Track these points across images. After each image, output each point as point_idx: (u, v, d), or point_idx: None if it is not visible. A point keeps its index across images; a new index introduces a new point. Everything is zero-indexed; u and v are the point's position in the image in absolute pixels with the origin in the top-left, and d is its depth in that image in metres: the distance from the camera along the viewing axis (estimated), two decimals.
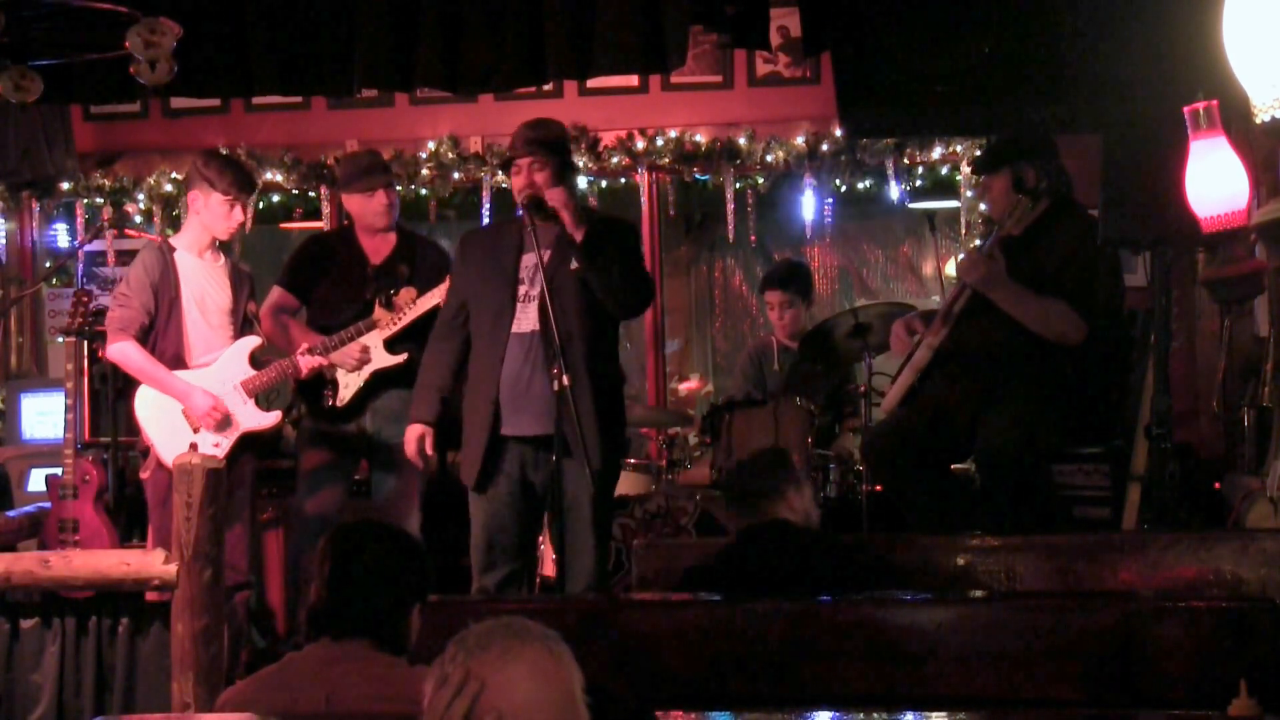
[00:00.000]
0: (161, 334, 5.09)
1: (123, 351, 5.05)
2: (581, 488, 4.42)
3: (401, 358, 5.25)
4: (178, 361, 5.09)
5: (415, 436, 4.70)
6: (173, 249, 5.17)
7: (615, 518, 5.21)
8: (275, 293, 5.47)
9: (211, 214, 5.13)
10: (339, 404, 5.30)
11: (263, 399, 5.25)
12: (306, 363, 5.14)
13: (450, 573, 5.09)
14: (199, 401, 5.01)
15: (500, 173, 6.21)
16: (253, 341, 5.17)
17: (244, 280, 5.28)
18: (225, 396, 5.07)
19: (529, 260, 4.54)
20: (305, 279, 5.45)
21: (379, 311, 5.12)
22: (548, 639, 2.08)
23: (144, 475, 5.16)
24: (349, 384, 5.30)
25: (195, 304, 5.13)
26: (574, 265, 4.49)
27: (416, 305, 5.21)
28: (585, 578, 4.52)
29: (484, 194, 6.70)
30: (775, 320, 6.27)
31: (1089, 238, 4.80)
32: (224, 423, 5.06)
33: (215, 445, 5.00)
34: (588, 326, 4.52)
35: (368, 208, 5.37)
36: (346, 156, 5.87)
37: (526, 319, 4.52)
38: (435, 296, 5.11)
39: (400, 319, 5.19)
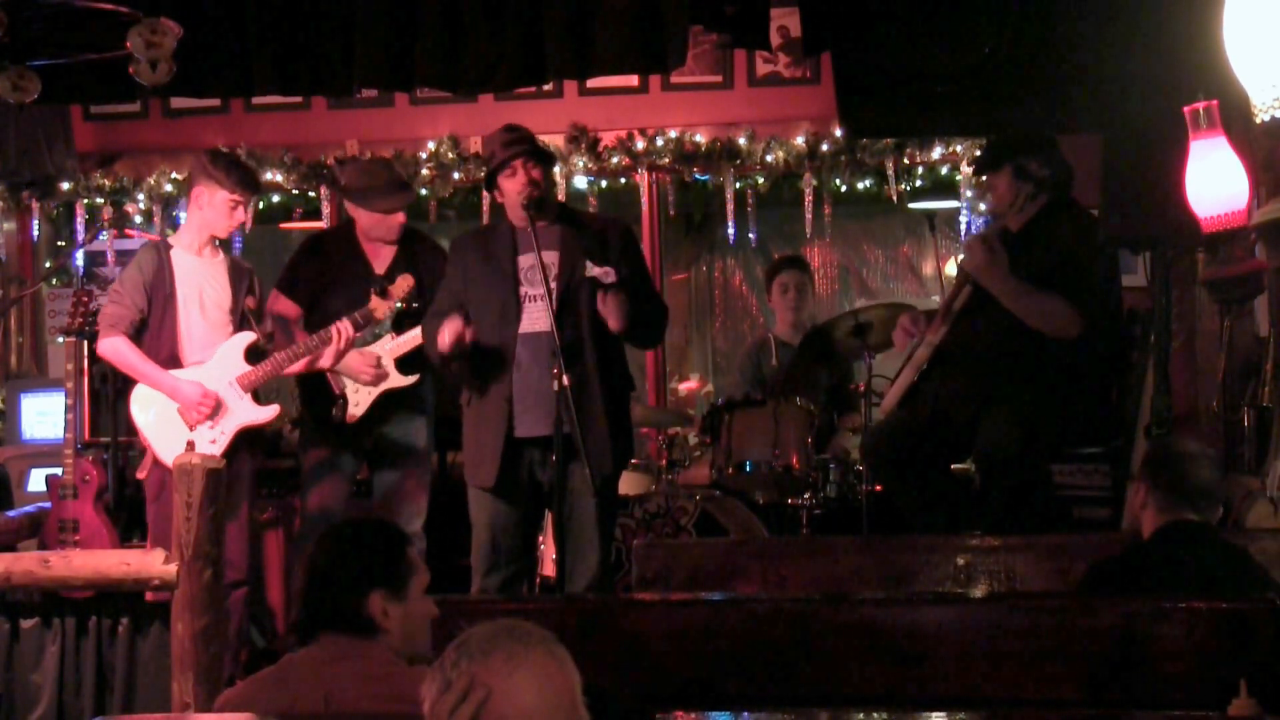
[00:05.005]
0: (156, 333, 5.09)
1: (113, 347, 5.06)
2: (586, 487, 4.43)
3: (413, 378, 5.24)
4: (173, 360, 5.09)
5: (454, 328, 4.46)
6: (169, 247, 5.18)
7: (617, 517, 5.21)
8: (275, 298, 5.44)
9: (214, 211, 5.14)
10: (348, 420, 5.29)
11: (260, 394, 5.24)
12: (344, 329, 5.06)
13: (450, 573, 5.09)
14: (187, 392, 5.01)
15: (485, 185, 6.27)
16: (247, 337, 5.16)
17: (243, 276, 5.27)
18: (221, 393, 5.07)
19: (526, 261, 4.53)
20: (306, 286, 5.40)
21: (375, 301, 5.09)
22: (547, 642, 2.09)
23: (140, 475, 5.16)
24: (359, 401, 5.29)
25: (193, 302, 5.13)
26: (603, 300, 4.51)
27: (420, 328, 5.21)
28: (588, 577, 4.53)
29: (484, 194, 6.70)
30: (785, 305, 6.26)
31: (1087, 235, 4.80)
32: (216, 414, 5.05)
33: (211, 442, 4.99)
34: (598, 330, 4.53)
35: (382, 224, 5.34)
36: (362, 166, 5.73)
37: (531, 320, 4.52)
38: None
39: (394, 306, 5.12)
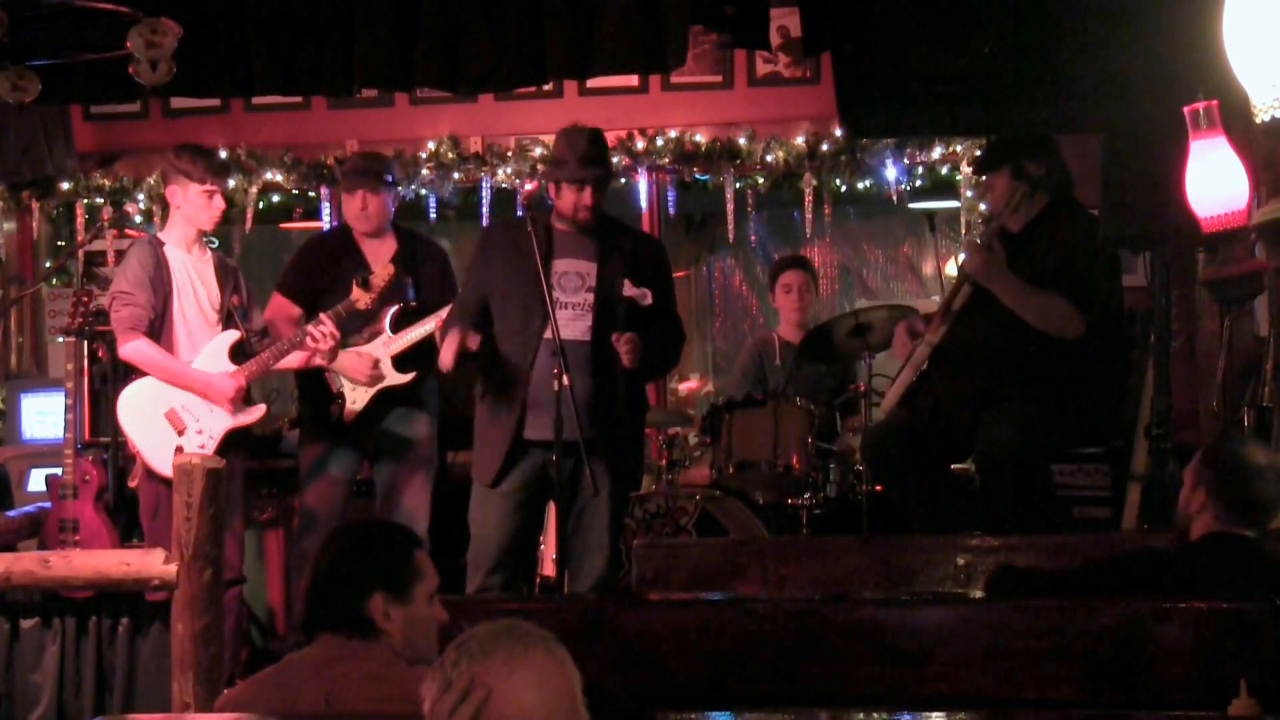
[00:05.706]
0: (155, 329, 5.09)
1: (138, 350, 5.06)
2: (602, 488, 4.48)
3: (410, 376, 5.25)
4: None
5: (455, 341, 4.57)
6: (162, 244, 5.19)
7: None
8: (277, 300, 5.44)
9: (192, 206, 5.16)
10: (346, 419, 5.29)
11: (252, 394, 5.24)
12: (326, 322, 5.06)
13: (452, 573, 5.08)
14: (220, 386, 5.03)
15: (509, 169, 6.32)
16: (231, 336, 5.17)
17: (229, 274, 5.28)
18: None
19: (560, 266, 4.58)
20: (306, 286, 5.41)
21: (356, 292, 5.10)
22: (547, 642, 2.09)
23: (132, 484, 5.15)
24: (357, 399, 5.29)
25: (187, 299, 5.14)
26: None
27: (417, 326, 5.22)
28: (595, 577, 4.53)
29: (484, 194, 6.70)
30: (789, 305, 6.25)
31: (1089, 235, 4.80)
32: (203, 417, 5.06)
33: (200, 447, 4.99)
34: None
35: (347, 208, 5.44)
36: (351, 155, 5.91)
37: (559, 325, 4.51)
38: (432, 321, 5.12)
39: (375, 298, 5.13)
